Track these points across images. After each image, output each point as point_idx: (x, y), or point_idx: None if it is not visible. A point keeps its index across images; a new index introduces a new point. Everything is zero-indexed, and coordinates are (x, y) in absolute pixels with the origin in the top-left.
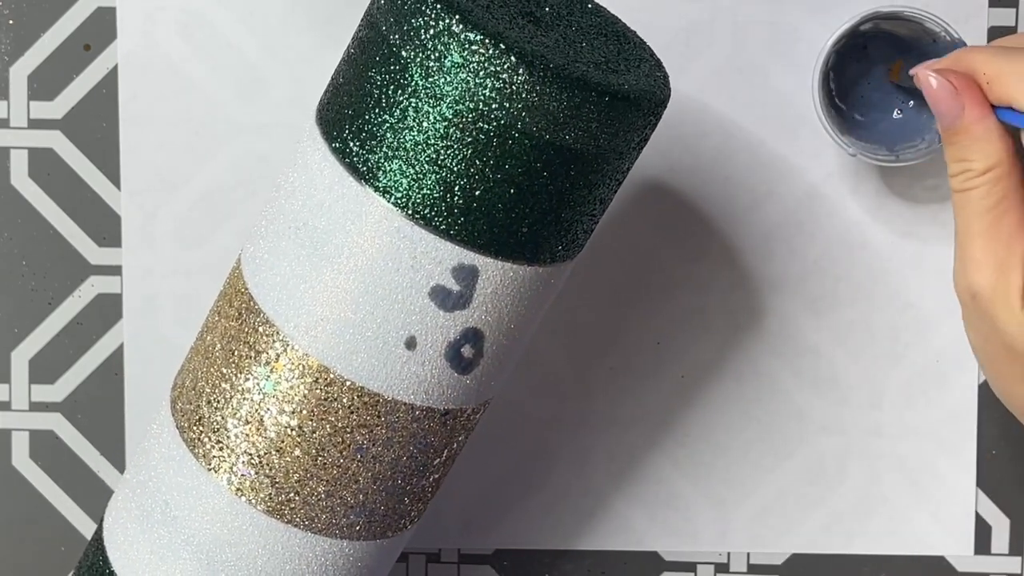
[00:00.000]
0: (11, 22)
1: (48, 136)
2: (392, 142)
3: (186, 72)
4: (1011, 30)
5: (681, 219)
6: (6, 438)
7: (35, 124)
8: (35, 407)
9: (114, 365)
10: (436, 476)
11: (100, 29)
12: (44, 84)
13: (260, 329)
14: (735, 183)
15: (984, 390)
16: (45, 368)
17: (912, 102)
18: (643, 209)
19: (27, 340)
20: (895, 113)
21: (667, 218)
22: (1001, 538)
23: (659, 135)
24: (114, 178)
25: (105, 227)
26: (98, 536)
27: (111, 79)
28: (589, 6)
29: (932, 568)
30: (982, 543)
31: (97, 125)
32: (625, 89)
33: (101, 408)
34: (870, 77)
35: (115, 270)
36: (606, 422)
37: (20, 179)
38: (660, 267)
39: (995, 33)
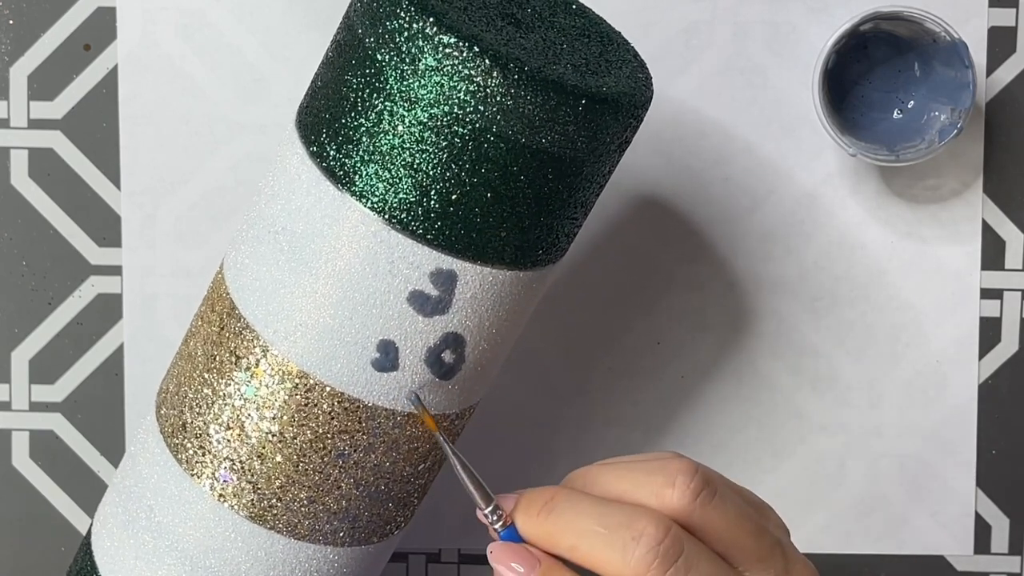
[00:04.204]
0: (11, 22)
1: (48, 136)
2: (368, 146)
3: (186, 72)
4: (1011, 30)
5: (681, 219)
6: (6, 438)
7: (35, 124)
8: (35, 407)
9: (114, 365)
10: (422, 482)
11: (100, 29)
12: (44, 84)
13: (241, 334)
14: (735, 183)
15: (984, 390)
16: (45, 368)
17: (912, 102)
18: (643, 209)
19: (27, 340)
20: (895, 113)
21: (667, 218)
22: (1001, 538)
23: (658, 136)
24: (114, 178)
25: (105, 227)
26: (87, 540)
27: (111, 79)
28: (574, 7)
29: (932, 568)
30: (982, 543)
31: (97, 125)
32: (603, 92)
33: (101, 408)
34: (870, 77)
35: (115, 270)
36: (606, 422)
37: (20, 179)
38: (659, 267)
39: (995, 33)
